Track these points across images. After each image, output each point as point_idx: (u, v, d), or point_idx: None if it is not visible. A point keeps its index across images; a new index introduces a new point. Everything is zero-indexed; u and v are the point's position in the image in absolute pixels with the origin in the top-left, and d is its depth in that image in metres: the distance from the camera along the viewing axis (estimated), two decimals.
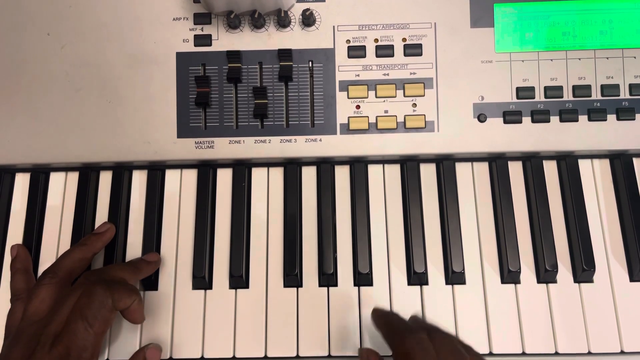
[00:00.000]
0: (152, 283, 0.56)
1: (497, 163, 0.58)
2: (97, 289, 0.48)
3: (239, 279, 0.55)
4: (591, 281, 0.55)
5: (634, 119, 0.57)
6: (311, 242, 0.57)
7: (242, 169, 0.59)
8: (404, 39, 0.58)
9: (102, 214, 0.58)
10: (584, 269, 0.54)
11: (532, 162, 0.58)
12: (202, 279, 0.55)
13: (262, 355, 0.54)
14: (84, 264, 0.53)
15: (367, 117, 0.57)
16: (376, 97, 0.58)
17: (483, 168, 0.59)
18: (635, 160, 0.59)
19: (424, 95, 0.58)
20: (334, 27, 0.58)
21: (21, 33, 0.59)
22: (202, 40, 0.58)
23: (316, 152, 0.57)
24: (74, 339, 0.46)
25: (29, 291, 0.51)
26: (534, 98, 0.57)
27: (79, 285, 0.49)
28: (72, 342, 0.46)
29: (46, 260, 0.57)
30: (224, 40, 0.58)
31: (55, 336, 0.46)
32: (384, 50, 0.58)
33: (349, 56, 0.58)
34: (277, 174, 0.59)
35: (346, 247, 0.57)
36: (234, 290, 0.56)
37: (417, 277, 0.55)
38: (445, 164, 0.58)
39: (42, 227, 0.58)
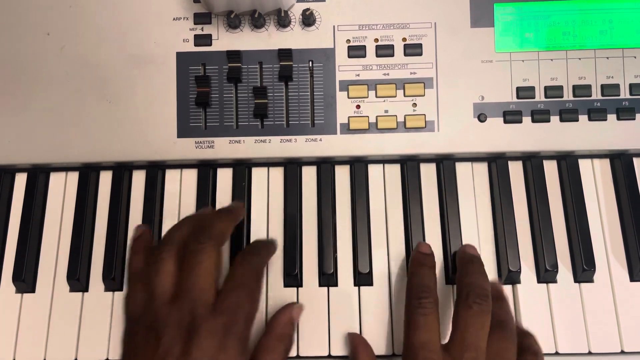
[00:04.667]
0: None
1: (497, 163, 0.58)
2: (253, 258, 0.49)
3: None
4: (591, 281, 0.55)
5: (634, 119, 0.57)
6: (311, 242, 0.57)
7: (242, 169, 0.59)
8: (404, 39, 0.58)
9: (102, 214, 0.58)
10: (584, 269, 0.54)
11: (532, 162, 0.58)
12: None
13: None
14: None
15: (367, 117, 0.57)
16: (376, 97, 0.58)
17: (483, 168, 0.59)
18: (635, 160, 0.58)
19: (424, 95, 0.58)
20: (334, 27, 0.58)
21: (21, 33, 0.59)
22: (202, 40, 0.58)
23: (316, 152, 0.57)
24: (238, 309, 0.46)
25: (146, 269, 0.49)
26: (534, 98, 0.57)
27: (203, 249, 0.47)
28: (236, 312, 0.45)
29: (46, 260, 0.57)
30: (224, 40, 0.58)
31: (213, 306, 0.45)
32: (384, 50, 0.58)
33: (349, 56, 0.58)
34: (277, 173, 0.59)
35: (346, 247, 0.57)
36: None
37: None
38: (445, 164, 0.58)
39: (42, 228, 0.58)
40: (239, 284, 0.47)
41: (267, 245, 0.54)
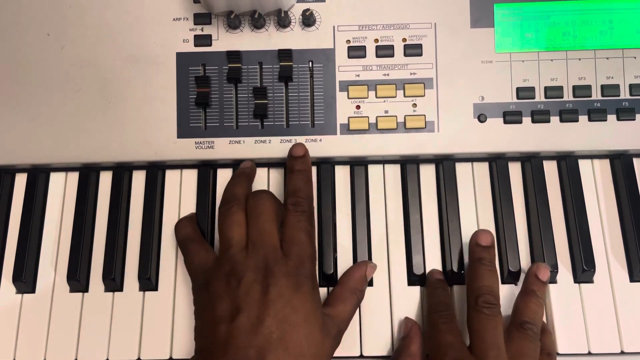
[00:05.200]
0: (152, 284, 0.56)
1: (497, 163, 0.58)
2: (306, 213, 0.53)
3: None
4: (591, 281, 0.55)
5: (634, 119, 0.57)
6: None
7: None
8: (404, 39, 0.58)
9: (102, 214, 0.58)
10: (584, 269, 0.54)
11: (532, 162, 0.58)
12: None
13: None
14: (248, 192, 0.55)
15: (367, 117, 0.57)
16: (376, 97, 0.58)
17: (483, 168, 0.59)
18: (635, 160, 0.58)
19: (424, 96, 0.58)
20: (334, 27, 0.58)
21: (21, 33, 0.59)
22: (202, 40, 0.58)
23: (316, 152, 0.57)
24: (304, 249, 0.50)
25: (220, 224, 0.52)
26: (534, 98, 0.57)
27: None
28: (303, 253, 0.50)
29: (46, 260, 0.57)
30: (224, 41, 0.58)
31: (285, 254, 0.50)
32: (384, 51, 0.58)
33: (349, 56, 0.58)
34: (278, 174, 0.59)
35: (346, 248, 0.57)
36: None
37: (416, 278, 0.55)
38: (445, 164, 0.58)
39: (42, 228, 0.58)
40: (298, 229, 0.51)
41: (309, 185, 0.55)
